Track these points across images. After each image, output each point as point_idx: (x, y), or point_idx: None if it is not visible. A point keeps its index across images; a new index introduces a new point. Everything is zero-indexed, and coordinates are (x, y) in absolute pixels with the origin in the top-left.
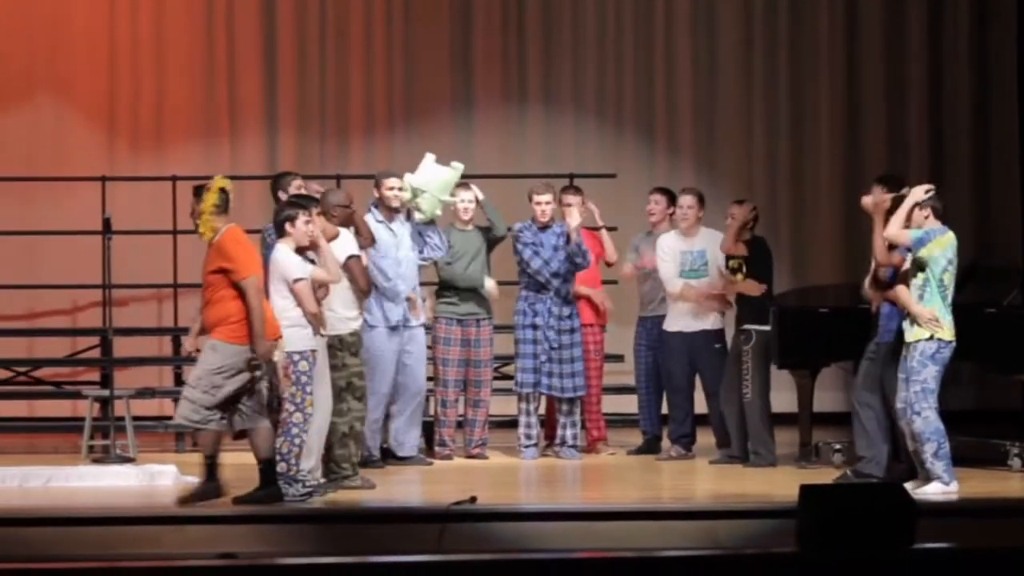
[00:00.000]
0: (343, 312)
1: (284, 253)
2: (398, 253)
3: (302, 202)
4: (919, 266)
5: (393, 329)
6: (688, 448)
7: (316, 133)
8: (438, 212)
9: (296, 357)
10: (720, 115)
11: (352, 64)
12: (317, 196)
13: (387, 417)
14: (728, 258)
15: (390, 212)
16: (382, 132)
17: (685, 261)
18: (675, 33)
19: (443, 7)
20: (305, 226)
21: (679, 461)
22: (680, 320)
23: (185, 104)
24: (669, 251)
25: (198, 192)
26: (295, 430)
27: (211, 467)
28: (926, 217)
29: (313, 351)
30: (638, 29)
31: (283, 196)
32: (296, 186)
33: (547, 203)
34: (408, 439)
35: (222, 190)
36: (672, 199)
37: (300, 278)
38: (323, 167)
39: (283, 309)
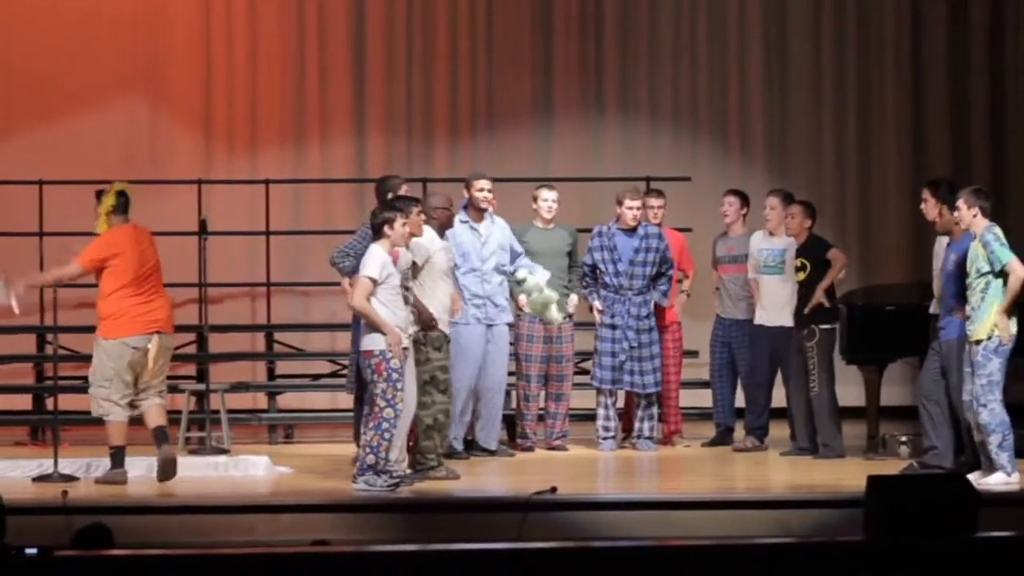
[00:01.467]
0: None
1: (374, 252)
2: (482, 252)
3: (400, 205)
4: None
5: (479, 326)
6: (762, 440)
7: (403, 137)
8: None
9: (388, 355)
10: (791, 119)
11: (438, 70)
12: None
13: (473, 410)
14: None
15: (478, 213)
16: (466, 136)
17: (763, 258)
18: (747, 41)
19: (525, 17)
20: (403, 228)
21: (752, 452)
22: (763, 315)
23: (277, 109)
24: (751, 251)
25: (99, 195)
26: (385, 424)
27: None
28: (975, 216)
29: (387, 349)
30: (712, 37)
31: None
32: (405, 190)
33: (637, 208)
34: (491, 432)
35: (119, 193)
36: (746, 200)
37: (370, 276)
38: (410, 170)
39: (375, 307)
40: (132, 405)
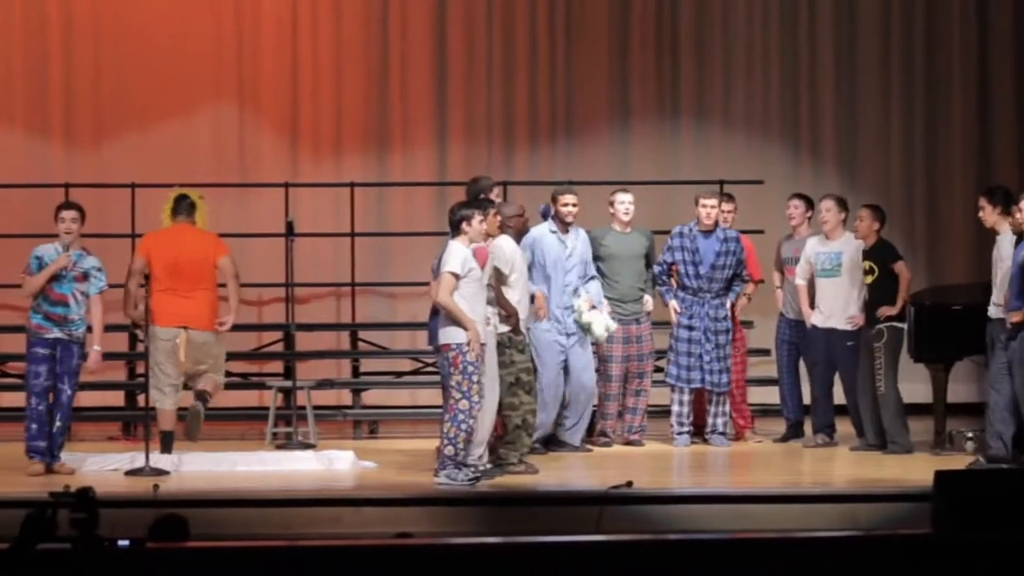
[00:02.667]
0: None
1: (454, 248)
2: (567, 262)
3: (478, 203)
4: None
5: (559, 334)
6: (831, 436)
7: (483, 142)
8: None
9: (465, 348)
10: (860, 123)
11: (518, 77)
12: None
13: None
14: (863, 258)
15: (564, 226)
16: (545, 142)
17: (820, 261)
18: (818, 48)
19: (603, 25)
20: (480, 225)
21: (821, 448)
22: (818, 317)
23: (362, 114)
24: (805, 253)
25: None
26: (461, 416)
27: None
28: None
29: (464, 343)
30: (783, 46)
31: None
32: (495, 192)
33: (712, 207)
34: (577, 433)
35: (179, 197)
36: (810, 204)
37: (452, 271)
38: (490, 174)
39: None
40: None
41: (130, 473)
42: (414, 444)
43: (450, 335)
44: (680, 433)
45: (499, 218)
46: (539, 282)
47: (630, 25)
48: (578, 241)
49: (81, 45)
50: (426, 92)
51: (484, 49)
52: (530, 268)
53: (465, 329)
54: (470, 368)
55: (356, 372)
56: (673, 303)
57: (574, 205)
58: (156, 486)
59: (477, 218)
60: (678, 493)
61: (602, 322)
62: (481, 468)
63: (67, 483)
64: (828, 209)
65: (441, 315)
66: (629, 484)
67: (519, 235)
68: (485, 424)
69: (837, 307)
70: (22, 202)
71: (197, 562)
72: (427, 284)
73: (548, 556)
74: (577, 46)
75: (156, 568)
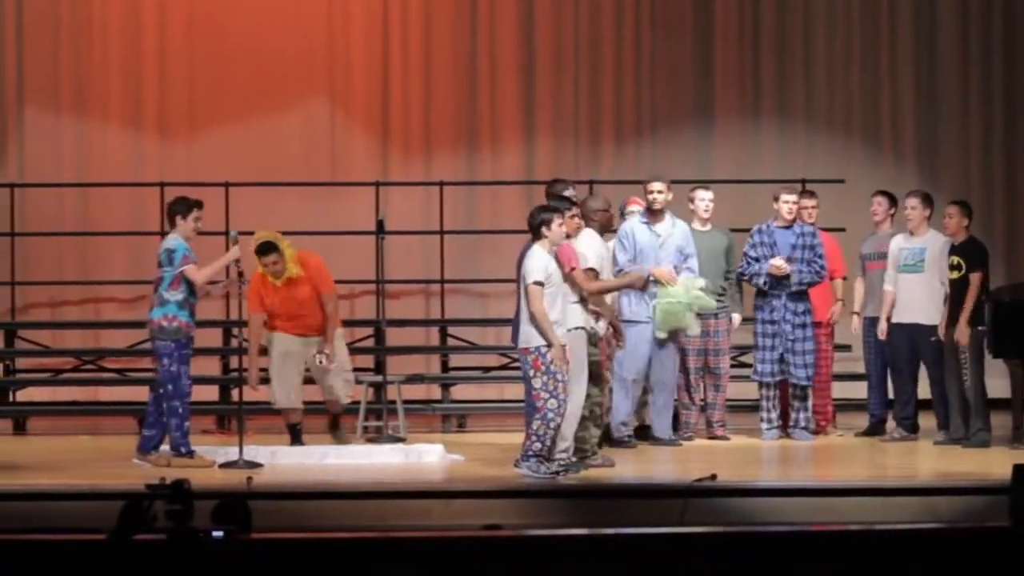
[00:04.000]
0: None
1: (535, 255)
2: (659, 252)
3: (555, 205)
4: None
5: (650, 324)
6: (911, 430)
7: (570, 141)
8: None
9: (544, 350)
10: (940, 122)
11: (604, 76)
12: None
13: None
14: (950, 255)
15: (654, 215)
16: (630, 140)
17: (903, 256)
18: (898, 47)
19: (687, 26)
20: (560, 228)
21: (902, 442)
22: (901, 312)
23: (451, 114)
24: (891, 251)
25: (269, 249)
26: (550, 414)
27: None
28: None
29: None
30: (864, 45)
31: None
32: (571, 194)
33: (792, 202)
34: (664, 423)
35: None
36: (893, 201)
37: (536, 281)
38: (576, 173)
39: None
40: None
41: (224, 466)
42: (502, 438)
43: (528, 338)
44: (768, 429)
45: (576, 219)
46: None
47: (713, 25)
48: (674, 230)
49: (175, 44)
50: (514, 91)
51: (571, 48)
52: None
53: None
54: (552, 368)
55: (445, 367)
56: (773, 261)
57: (659, 192)
58: (250, 478)
59: (556, 221)
60: (761, 486)
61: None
62: (565, 462)
63: (163, 475)
64: (913, 207)
65: (524, 317)
66: (713, 477)
67: (603, 229)
68: (570, 420)
69: (920, 302)
70: (118, 198)
71: (289, 553)
72: (514, 281)
73: (633, 548)
74: (662, 45)
75: (249, 559)
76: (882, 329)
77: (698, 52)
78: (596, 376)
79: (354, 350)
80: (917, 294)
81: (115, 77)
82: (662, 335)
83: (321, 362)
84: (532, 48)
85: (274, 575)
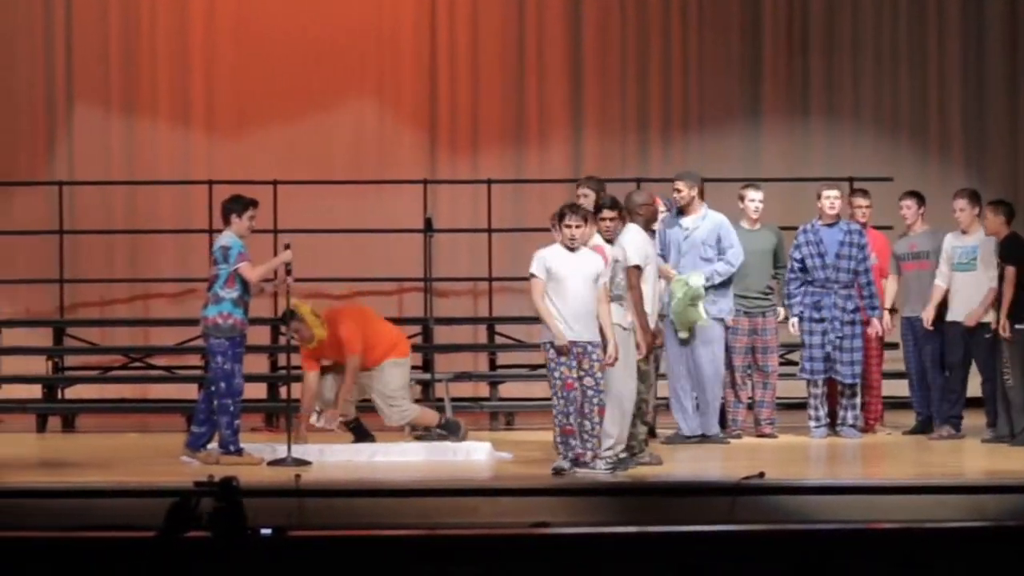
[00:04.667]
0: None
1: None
2: (684, 244)
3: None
4: None
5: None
6: (957, 428)
7: (617, 138)
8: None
9: (548, 346)
10: (988, 121)
11: (651, 74)
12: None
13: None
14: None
15: (680, 210)
16: (678, 137)
17: (956, 255)
18: (946, 45)
19: (735, 23)
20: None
21: (949, 440)
22: (955, 310)
23: (498, 112)
24: (944, 249)
25: (288, 318)
26: (554, 412)
27: None
28: None
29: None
30: (912, 42)
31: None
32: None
33: (836, 198)
34: (710, 419)
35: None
36: (921, 200)
37: (533, 273)
38: (623, 170)
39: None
40: None
41: (273, 463)
42: (550, 436)
43: (543, 333)
44: (817, 427)
45: (607, 221)
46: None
47: (761, 22)
48: (703, 222)
49: (223, 42)
50: (561, 89)
51: (618, 46)
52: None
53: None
54: (552, 365)
55: (493, 365)
56: (793, 322)
57: (677, 191)
58: (298, 476)
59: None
60: (809, 484)
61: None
62: (614, 459)
63: (211, 473)
64: (962, 208)
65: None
66: (761, 475)
67: (648, 223)
68: (617, 418)
69: (973, 300)
70: (167, 196)
71: (337, 550)
72: None
73: (681, 546)
74: (709, 43)
75: (297, 556)
76: (927, 318)
77: (746, 49)
78: (642, 373)
79: None
80: (970, 292)
81: (163, 75)
82: (684, 335)
83: (318, 421)
84: (579, 45)
85: (321, 572)
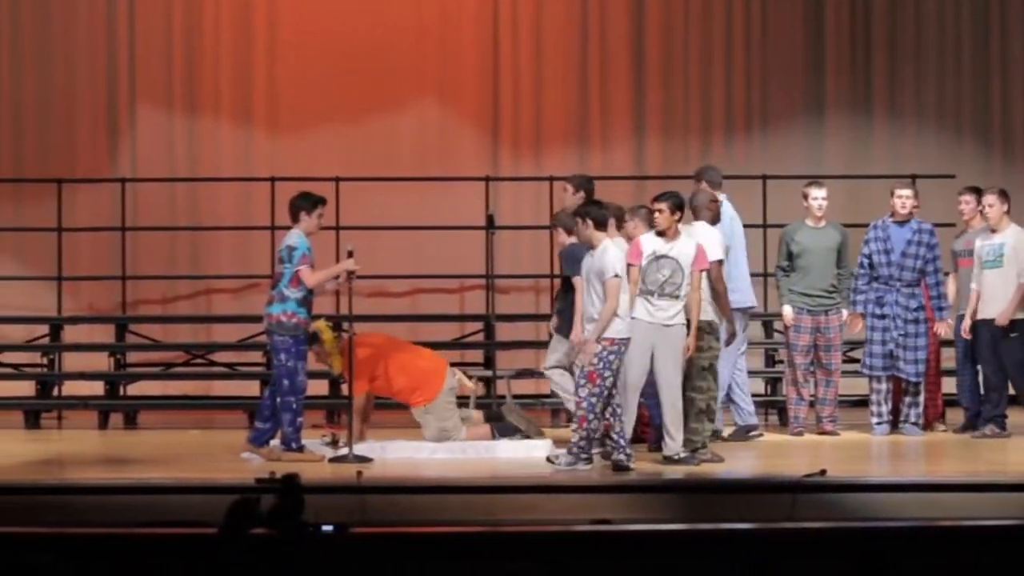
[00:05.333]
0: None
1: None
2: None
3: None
4: None
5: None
6: (1002, 427)
7: (680, 136)
8: None
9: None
10: None
11: (714, 71)
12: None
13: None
14: None
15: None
16: (740, 135)
17: (984, 252)
18: (1008, 42)
19: (797, 20)
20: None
21: (993, 439)
22: (984, 308)
23: (561, 110)
24: (975, 249)
25: (312, 340)
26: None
27: None
28: None
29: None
30: (974, 40)
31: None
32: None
33: (906, 197)
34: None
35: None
36: (981, 196)
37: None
38: (687, 167)
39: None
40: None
41: (334, 460)
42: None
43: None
44: (879, 423)
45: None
46: None
47: (824, 20)
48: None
49: (285, 41)
50: (624, 87)
51: (681, 43)
52: None
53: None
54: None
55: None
56: (846, 317)
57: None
58: (360, 473)
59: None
60: (871, 482)
61: None
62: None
63: (273, 470)
64: (991, 204)
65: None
66: (822, 472)
67: (713, 221)
68: (673, 414)
69: (1000, 298)
70: (228, 193)
71: (398, 547)
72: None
73: (742, 543)
74: (772, 41)
75: (358, 553)
76: (965, 326)
77: (809, 47)
78: (712, 370)
79: (463, 345)
80: (997, 290)
81: (226, 73)
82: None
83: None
84: (642, 43)
85: (383, 569)
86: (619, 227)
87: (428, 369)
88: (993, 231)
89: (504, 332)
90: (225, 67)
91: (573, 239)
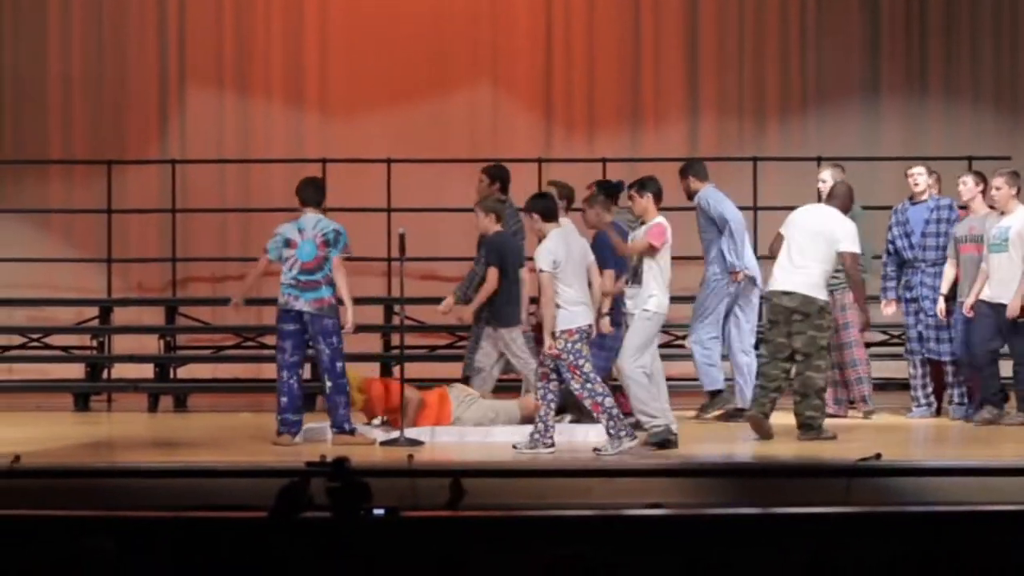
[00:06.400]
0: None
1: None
2: None
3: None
4: None
5: None
6: (1000, 408)
7: (735, 116)
8: None
9: None
10: None
11: (768, 51)
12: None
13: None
14: None
15: None
16: (796, 115)
17: (991, 236)
18: None
19: (853, 0)
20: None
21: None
22: (987, 292)
23: (614, 91)
24: (985, 230)
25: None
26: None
27: None
28: None
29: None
30: None
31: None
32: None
33: (920, 174)
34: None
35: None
36: (983, 179)
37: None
38: (741, 149)
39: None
40: None
41: (385, 443)
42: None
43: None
44: (918, 406)
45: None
46: None
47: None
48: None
49: (337, 22)
50: (678, 67)
51: (735, 23)
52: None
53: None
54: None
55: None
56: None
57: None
58: (411, 456)
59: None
60: (925, 465)
61: None
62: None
63: (323, 453)
64: (999, 187)
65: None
66: (878, 456)
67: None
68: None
69: (1005, 282)
70: (280, 175)
71: (449, 531)
72: (682, 259)
73: (796, 527)
74: (827, 20)
75: (409, 537)
76: (968, 304)
77: (864, 27)
78: (829, 349)
79: None
80: (1002, 273)
81: (277, 54)
82: None
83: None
84: (696, 22)
85: (434, 553)
86: (569, 208)
87: (433, 401)
88: (1002, 214)
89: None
90: (276, 47)
91: (498, 227)
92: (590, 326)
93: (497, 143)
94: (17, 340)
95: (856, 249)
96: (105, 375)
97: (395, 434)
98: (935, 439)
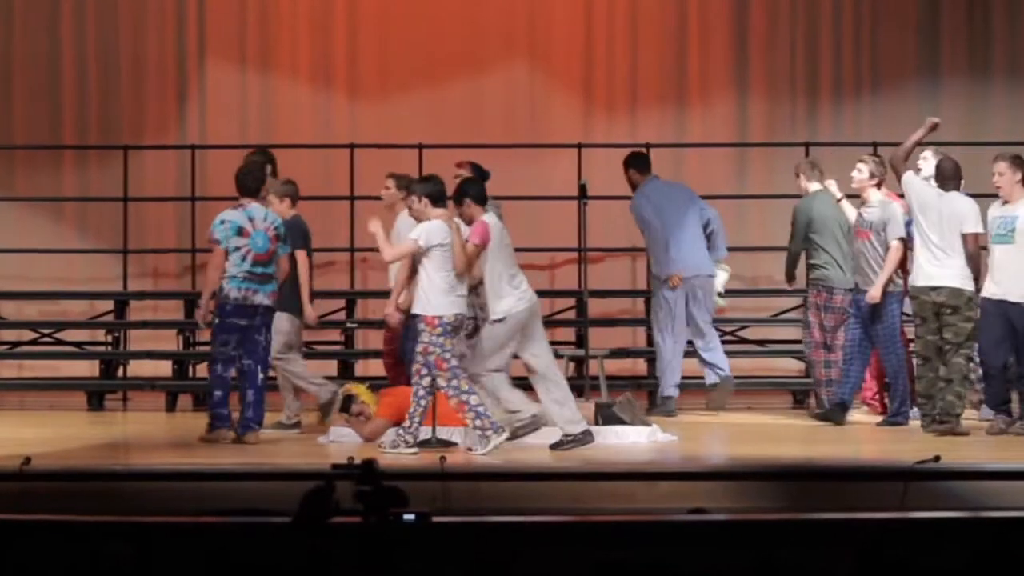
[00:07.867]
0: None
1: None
2: None
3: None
4: None
5: None
6: (1008, 414)
7: (786, 99)
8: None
9: None
10: None
11: (821, 30)
12: None
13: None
14: None
15: None
16: (849, 98)
17: (995, 226)
18: None
19: None
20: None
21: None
22: (993, 286)
23: (657, 72)
24: (988, 219)
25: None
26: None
27: None
28: None
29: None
30: None
31: None
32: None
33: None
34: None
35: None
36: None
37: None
38: (793, 133)
39: None
40: None
41: (418, 445)
42: (714, 416)
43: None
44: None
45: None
46: None
47: None
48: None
49: (366, 1)
50: (726, 47)
51: (787, 1)
52: None
53: None
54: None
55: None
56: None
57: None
58: (443, 458)
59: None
60: (985, 468)
61: None
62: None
63: (351, 455)
64: (1001, 172)
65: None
66: (936, 459)
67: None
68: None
69: (1012, 277)
70: (307, 160)
71: (482, 537)
72: (740, 249)
73: (850, 533)
74: None
75: (441, 542)
76: (873, 294)
77: (922, 5)
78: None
79: (554, 322)
80: (1009, 267)
81: (303, 32)
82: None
83: None
84: (744, 1)
85: (467, 559)
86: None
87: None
88: (1006, 202)
89: (597, 308)
90: (302, 23)
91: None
92: (456, 316)
93: (534, 127)
94: (28, 335)
95: (979, 229)
96: (120, 372)
97: (427, 435)
98: (999, 442)
